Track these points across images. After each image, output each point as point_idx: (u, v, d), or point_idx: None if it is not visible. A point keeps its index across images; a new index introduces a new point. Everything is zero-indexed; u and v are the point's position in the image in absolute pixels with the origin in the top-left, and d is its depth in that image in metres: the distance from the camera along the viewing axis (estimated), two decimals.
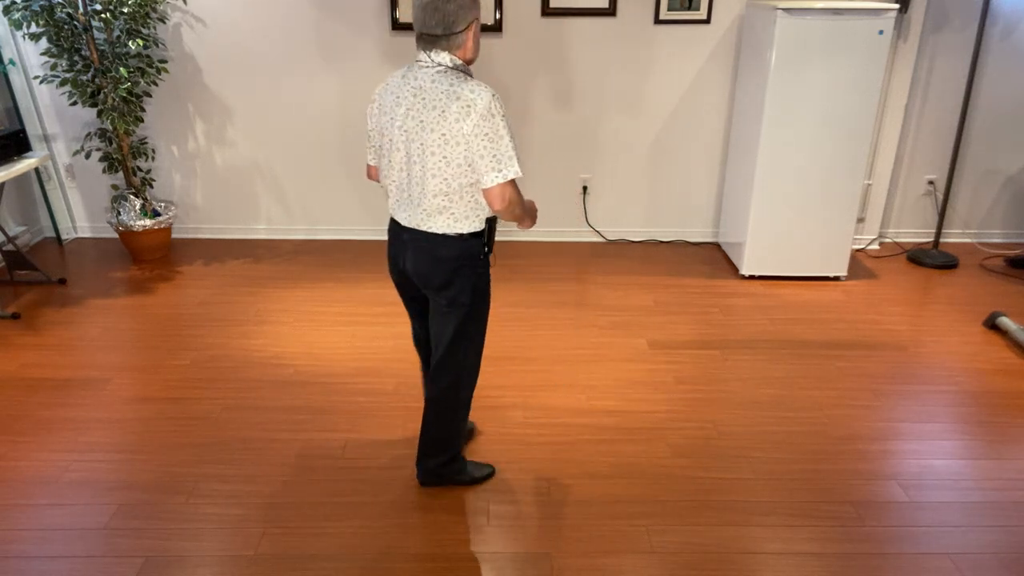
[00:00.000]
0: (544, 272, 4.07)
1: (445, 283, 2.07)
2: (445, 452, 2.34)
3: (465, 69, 1.98)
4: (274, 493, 2.36)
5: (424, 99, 1.92)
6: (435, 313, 2.16)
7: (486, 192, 1.95)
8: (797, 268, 3.96)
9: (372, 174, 2.23)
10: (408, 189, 2.02)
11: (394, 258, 2.17)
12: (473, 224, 2.04)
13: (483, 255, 2.10)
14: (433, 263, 2.05)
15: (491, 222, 2.10)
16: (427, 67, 1.95)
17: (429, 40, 1.93)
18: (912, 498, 2.36)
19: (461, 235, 2.03)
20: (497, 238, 4.53)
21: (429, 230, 2.03)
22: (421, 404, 2.83)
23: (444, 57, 1.94)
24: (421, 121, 1.93)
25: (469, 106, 1.88)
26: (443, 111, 1.89)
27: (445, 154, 1.92)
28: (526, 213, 2.09)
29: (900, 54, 4.04)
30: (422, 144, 1.94)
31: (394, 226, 2.13)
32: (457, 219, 2.01)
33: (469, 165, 1.93)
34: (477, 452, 2.56)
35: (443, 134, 1.90)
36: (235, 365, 3.11)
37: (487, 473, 2.44)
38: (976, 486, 2.42)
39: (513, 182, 1.95)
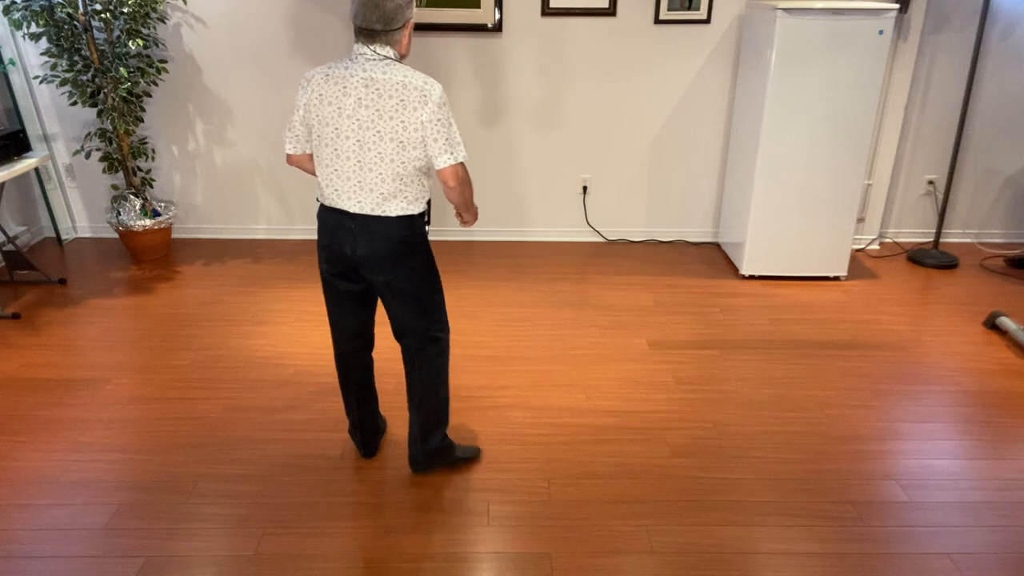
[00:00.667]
0: (544, 272, 4.07)
1: (400, 262, 2.17)
2: (440, 427, 2.42)
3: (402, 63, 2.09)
4: (274, 493, 2.36)
5: (378, 89, 2.02)
6: (392, 299, 2.23)
7: (441, 172, 2.10)
8: (797, 268, 3.96)
9: (294, 161, 2.25)
10: (359, 176, 2.09)
11: (336, 247, 2.19)
12: (421, 206, 2.18)
13: (426, 232, 2.25)
14: (388, 244, 2.14)
15: (428, 202, 2.24)
16: (374, 59, 2.05)
17: (370, 35, 2.04)
18: (912, 498, 2.36)
19: (411, 216, 2.15)
20: (497, 239, 4.54)
21: (383, 214, 2.12)
22: None
23: (388, 51, 2.06)
24: (377, 110, 2.02)
25: (426, 95, 2.02)
26: (401, 100, 2.01)
27: (402, 139, 2.04)
28: (472, 199, 2.26)
29: (900, 54, 4.04)
30: (378, 131, 2.04)
31: (334, 215, 2.16)
32: (410, 202, 2.14)
33: (424, 149, 2.07)
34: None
35: (402, 121, 2.02)
36: (235, 365, 3.11)
37: (475, 453, 2.52)
38: (976, 486, 2.42)
39: (463, 164, 2.13)
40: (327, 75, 2.07)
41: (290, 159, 2.25)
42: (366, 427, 2.51)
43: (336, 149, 2.09)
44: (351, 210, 2.12)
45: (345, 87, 2.04)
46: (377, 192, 2.09)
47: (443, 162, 2.08)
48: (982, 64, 4.13)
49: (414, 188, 2.13)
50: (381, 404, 2.83)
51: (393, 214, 2.12)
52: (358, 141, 2.06)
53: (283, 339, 3.32)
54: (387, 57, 2.05)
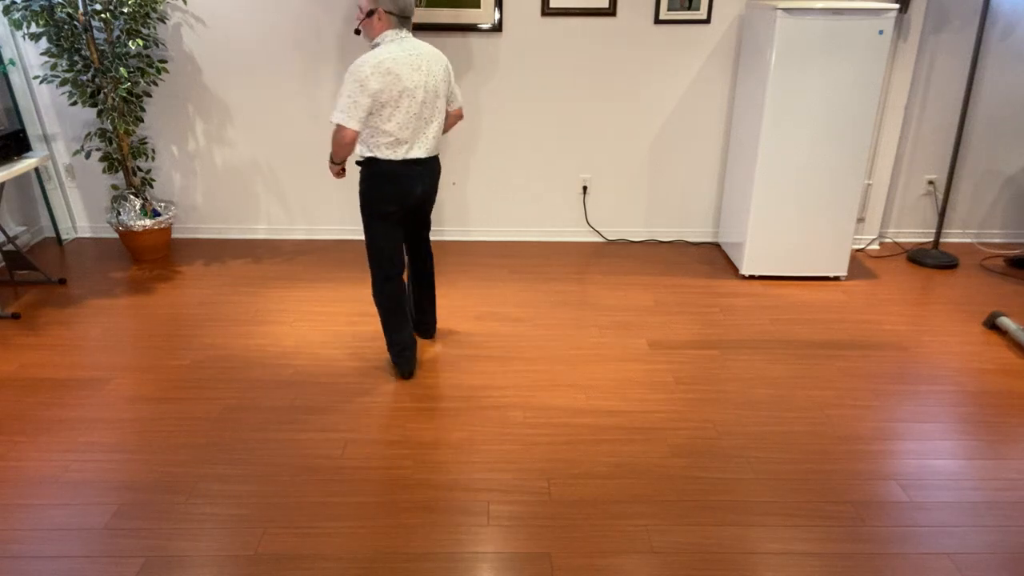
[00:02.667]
0: (544, 272, 4.07)
1: (438, 186, 3.12)
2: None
3: None
4: (274, 493, 2.36)
5: (430, 61, 2.69)
6: (423, 217, 3.03)
7: (455, 112, 2.93)
8: (797, 268, 3.96)
9: (351, 138, 2.62)
10: (424, 129, 2.72)
11: (408, 189, 2.77)
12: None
13: None
14: (438, 176, 2.92)
15: None
16: (410, 38, 2.67)
17: (409, 20, 2.68)
18: (912, 498, 2.36)
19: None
20: (497, 239, 4.55)
21: (436, 154, 2.85)
22: (421, 403, 2.84)
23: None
24: (433, 75, 2.69)
25: (447, 61, 2.79)
26: (441, 64, 2.74)
27: (444, 93, 2.78)
28: None
29: (900, 54, 4.04)
30: (436, 91, 2.71)
31: (407, 165, 2.73)
32: (441, 140, 2.91)
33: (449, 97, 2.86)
34: (477, 451, 2.56)
35: (444, 80, 2.76)
36: (235, 365, 3.11)
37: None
38: (976, 486, 2.42)
39: None
40: (393, 59, 2.57)
41: (349, 136, 2.62)
42: (413, 338, 3.05)
43: (413, 112, 2.66)
44: (421, 156, 2.74)
45: (411, 64, 2.61)
46: (433, 138, 2.77)
47: (457, 104, 2.91)
48: (982, 64, 4.13)
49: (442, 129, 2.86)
50: (379, 406, 2.84)
51: (437, 152, 2.84)
52: (423, 102, 2.67)
53: (283, 339, 3.32)
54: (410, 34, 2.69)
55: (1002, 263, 4.23)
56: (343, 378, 3.01)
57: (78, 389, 2.93)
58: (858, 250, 4.42)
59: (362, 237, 4.53)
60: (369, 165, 2.73)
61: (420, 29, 4.02)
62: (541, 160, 4.36)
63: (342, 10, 4.02)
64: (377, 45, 2.64)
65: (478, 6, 3.98)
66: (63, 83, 3.72)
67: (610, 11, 4.01)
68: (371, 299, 3.70)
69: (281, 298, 3.73)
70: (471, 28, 4.02)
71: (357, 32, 2.70)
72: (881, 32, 3.47)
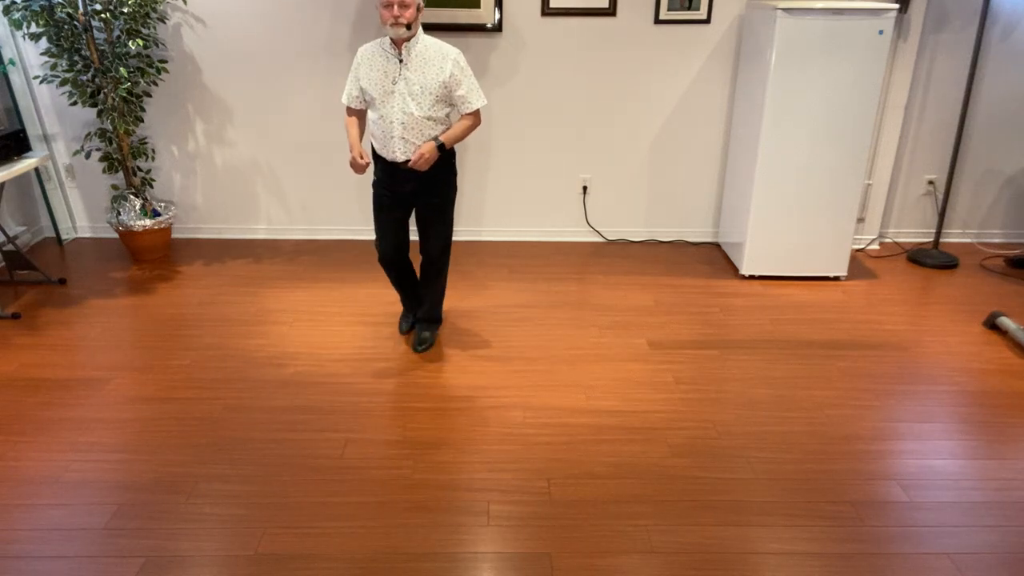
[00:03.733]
0: (544, 272, 4.07)
1: None
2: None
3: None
4: (274, 493, 2.36)
5: None
6: None
7: None
8: (797, 268, 3.96)
9: None
10: None
11: None
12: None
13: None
14: None
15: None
16: None
17: None
18: (912, 498, 2.36)
19: None
20: (497, 239, 4.55)
21: None
22: (421, 403, 2.84)
23: None
24: None
25: None
26: None
27: None
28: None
29: (900, 54, 4.04)
30: None
31: None
32: None
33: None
34: (478, 451, 2.56)
35: None
36: (235, 365, 3.11)
37: None
38: (976, 486, 2.42)
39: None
40: None
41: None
42: None
43: None
44: None
45: None
46: None
47: None
48: (982, 64, 4.13)
49: None
50: (379, 406, 2.85)
51: None
52: None
53: (283, 339, 3.32)
54: None
55: (1002, 263, 4.23)
56: (343, 378, 3.01)
57: (78, 389, 2.93)
58: (858, 250, 4.42)
59: (361, 237, 4.53)
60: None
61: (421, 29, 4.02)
62: (541, 160, 4.36)
63: (342, 9, 4.02)
64: (407, 37, 2.77)
65: (478, 6, 3.98)
66: (63, 83, 3.72)
67: (610, 11, 4.01)
68: (369, 299, 3.70)
69: (281, 298, 3.73)
70: (471, 28, 4.02)
71: (408, 27, 2.72)
72: (881, 32, 3.47)
